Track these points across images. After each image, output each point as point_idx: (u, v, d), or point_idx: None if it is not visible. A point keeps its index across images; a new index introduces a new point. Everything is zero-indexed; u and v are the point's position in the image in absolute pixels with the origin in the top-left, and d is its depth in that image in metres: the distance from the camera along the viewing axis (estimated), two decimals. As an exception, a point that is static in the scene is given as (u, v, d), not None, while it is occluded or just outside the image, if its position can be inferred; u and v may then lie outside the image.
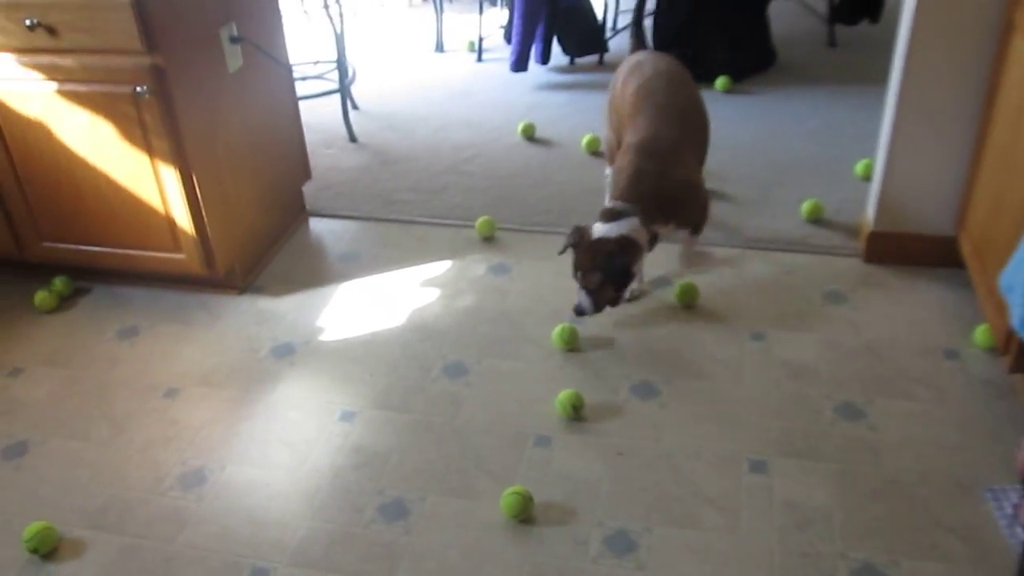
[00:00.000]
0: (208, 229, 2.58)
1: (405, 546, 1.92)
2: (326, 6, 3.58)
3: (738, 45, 4.08)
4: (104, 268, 2.80)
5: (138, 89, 2.35)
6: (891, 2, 4.31)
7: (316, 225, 3.14)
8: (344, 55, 3.68)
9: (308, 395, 2.36)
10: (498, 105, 3.99)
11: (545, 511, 1.98)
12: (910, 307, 2.54)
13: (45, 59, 2.40)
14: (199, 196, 2.53)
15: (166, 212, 2.56)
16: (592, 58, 4.38)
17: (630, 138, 2.46)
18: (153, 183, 2.52)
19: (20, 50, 2.40)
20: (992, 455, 2.06)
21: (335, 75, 3.99)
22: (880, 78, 2.88)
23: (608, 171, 2.86)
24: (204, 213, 2.56)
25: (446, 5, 5.24)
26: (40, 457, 2.23)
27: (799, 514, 1.94)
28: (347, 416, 2.29)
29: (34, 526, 1.96)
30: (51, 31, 2.34)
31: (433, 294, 2.72)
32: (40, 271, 2.90)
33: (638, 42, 2.94)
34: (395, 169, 3.48)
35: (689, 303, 2.60)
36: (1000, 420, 2.15)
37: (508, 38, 4.50)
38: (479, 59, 4.55)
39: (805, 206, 2.98)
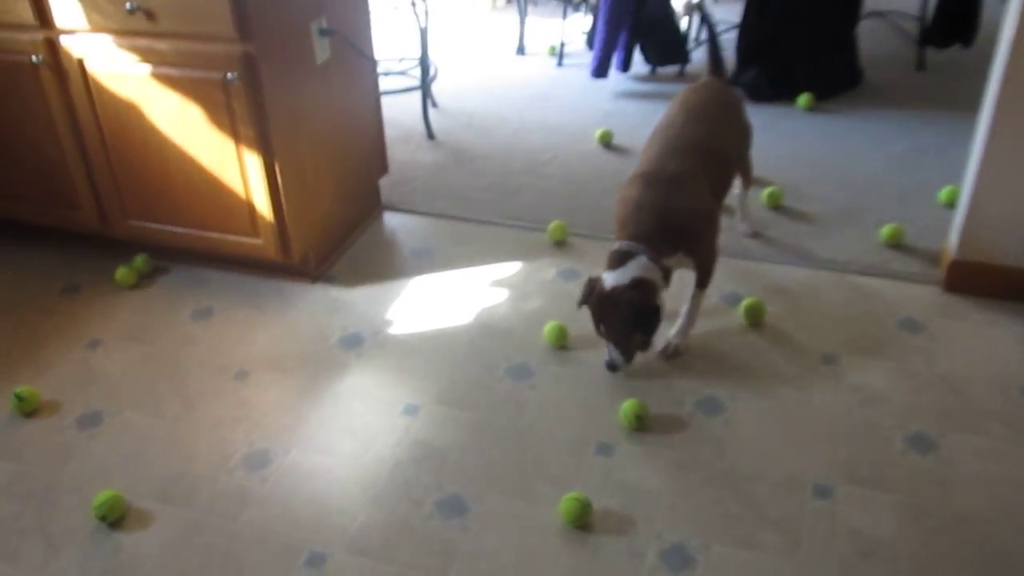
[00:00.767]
0: (286, 216, 2.63)
1: (461, 543, 1.93)
2: (413, 3, 3.61)
3: (824, 62, 4.02)
4: (183, 249, 2.87)
5: (228, 76, 2.41)
6: (985, 28, 4.20)
7: (390, 219, 3.18)
8: (427, 53, 3.71)
9: (374, 386, 2.39)
10: (576, 110, 3.99)
11: (603, 519, 1.98)
12: (989, 340, 2.47)
13: (142, 42, 2.47)
14: (280, 184, 2.57)
15: (247, 197, 2.62)
16: (673, 68, 4.35)
17: (636, 169, 2.39)
18: (236, 169, 2.57)
19: (119, 32, 2.47)
20: (1069, 498, 1.99)
21: (417, 72, 4.03)
22: (969, 104, 2.81)
23: None
24: (284, 201, 2.60)
25: (530, 8, 5.25)
26: (113, 428, 2.29)
27: (863, 544, 1.90)
28: (410, 409, 2.31)
29: (104, 494, 2.02)
30: (149, 15, 2.41)
31: (502, 295, 2.73)
32: (122, 248, 2.99)
33: (713, 64, 2.76)
34: (471, 168, 3.50)
35: (755, 322, 2.56)
36: (1079, 463, 2.08)
37: (590, 44, 4.49)
38: (560, 63, 4.55)
39: (885, 230, 2.92)
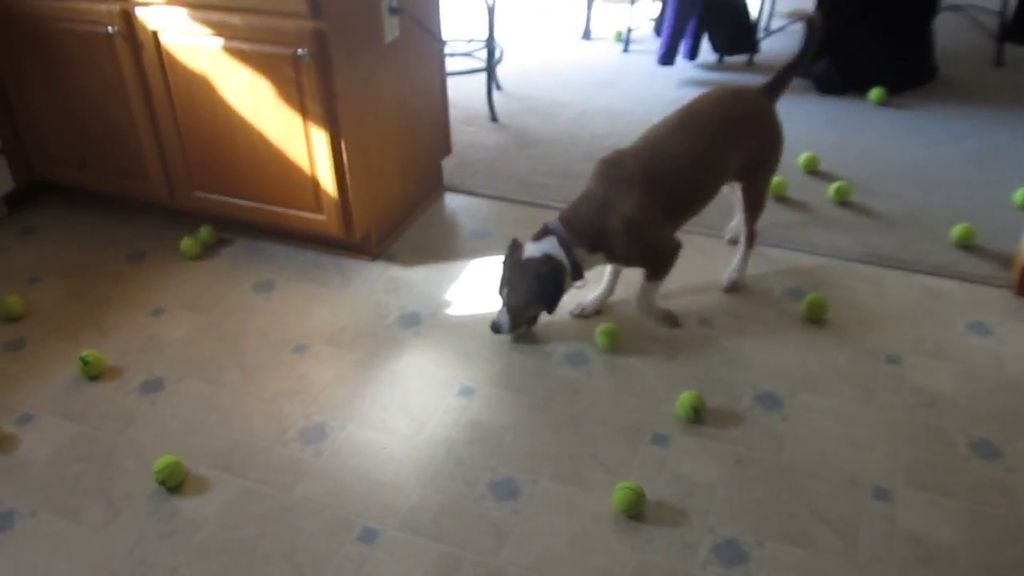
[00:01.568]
0: (350, 194, 2.64)
1: (513, 526, 1.94)
2: (482, -15, 3.60)
3: (898, 56, 3.92)
4: (247, 221, 2.90)
5: (299, 52, 2.42)
6: (1070, 24, 4.06)
7: (451, 200, 3.18)
8: (493, 35, 3.70)
9: (430, 366, 2.40)
10: (641, 97, 3.95)
11: (656, 510, 1.96)
12: (1062, 347, 2.41)
13: (215, 16, 2.49)
14: (345, 161, 2.59)
15: (312, 173, 2.64)
16: (741, 57, 4.28)
17: (605, 154, 2.40)
18: (303, 144, 2.59)
19: (193, 5, 2.50)
20: None
21: (483, 54, 4.02)
22: (1054, 103, 2.72)
23: None
24: (348, 178, 2.62)
25: (597, -7, 5.20)
26: (175, 395, 2.34)
27: (922, 549, 1.86)
28: (466, 391, 2.31)
29: (164, 459, 2.06)
30: (224, -11, 2.43)
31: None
32: (188, 219, 3.03)
33: (777, 78, 2.52)
34: (533, 152, 3.49)
35: (817, 317, 2.52)
36: None
37: (658, 31, 4.44)
38: (625, 49, 4.51)
39: (956, 230, 2.84)
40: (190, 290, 2.74)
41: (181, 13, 2.52)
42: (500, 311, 2.42)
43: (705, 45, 4.24)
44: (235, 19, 2.47)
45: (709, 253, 2.83)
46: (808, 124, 3.64)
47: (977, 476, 2.02)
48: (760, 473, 2.05)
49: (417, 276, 2.77)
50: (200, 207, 2.90)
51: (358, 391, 2.32)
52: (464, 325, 2.55)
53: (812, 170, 3.29)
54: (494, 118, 3.76)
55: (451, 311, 2.61)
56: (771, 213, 2.87)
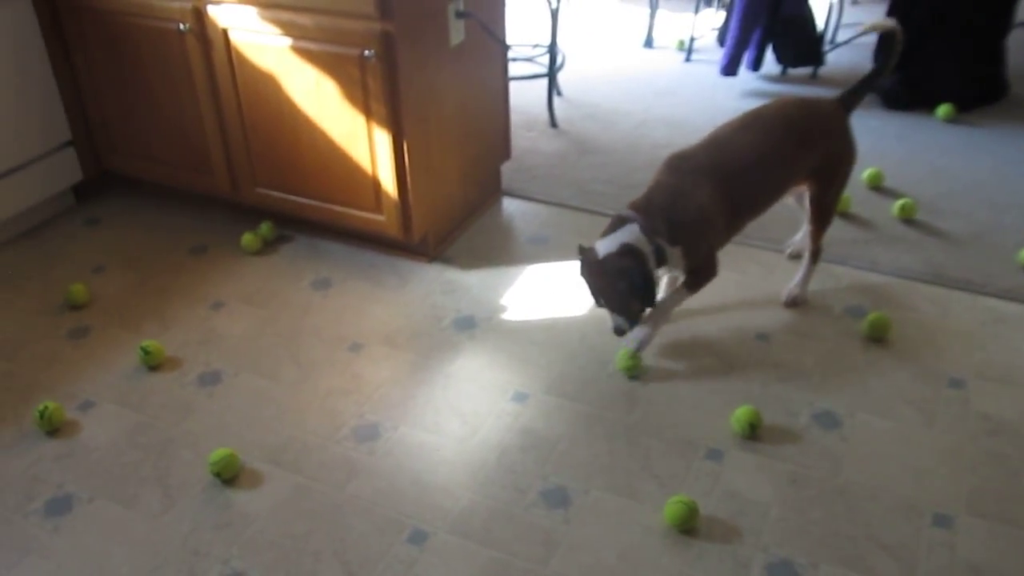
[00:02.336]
0: (410, 195, 2.66)
1: (563, 535, 1.92)
2: (546, -10, 3.60)
3: (968, 72, 3.83)
4: (308, 219, 2.93)
5: (366, 53, 2.44)
6: None
7: (509, 205, 3.18)
8: (556, 41, 3.70)
9: (484, 370, 2.40)
10: (703, 107, 3.92)
11: (708, 525, 1.94)
12: None
13: (285, 15, 2.52)
14: (406, 163, 2.60)
15: (373, 174, 2.65)
16: (806, 70, 4.23)
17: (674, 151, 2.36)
18: (366, 145, 2.61)
19: (263, 4, 2.54)
20: None
21: (545, 60, 4.02)
22: None
23: None
24: (409, 180, 2.63)
25: (661, 2, 5.18)
26: (231, 388, 2.37)
27: (983, 579, 1.81)
28: (520, 397, 2.30)
29: (220, 452, 2.08)
30: (294, -11, 2.46)
31: (617, 289, 2.70)
32: (250, 214, 3.07)
33: (853, 90, 2.48)
34: (592, 159, 3.47)
35: (879, 337, 2.47)
36: None
37: (721, 40, 4.40)
38: (688, 59, 4.48)
39: (1025, 253, 2.78)
40: (249, 285, 2.78)
41: (251, 12, 2.56)
42: (612, 316, 2.31)
43: (769, 56, 4.19)
44: (304, 19, 2.50)
45: (769, 267, 2.79)
46: (874, 139, 3.58)
47: (1043, 507, 1.97)
48: (816, 493, 2.01)
49: (473, 280, 2.77)
50: (262, 203, 2.93)
51: (412, 392, 2.33)
52: (519, 330, 2.54)
53: (877, 186, 3.23)
54: (554, 124, 3.76)
55: (506, 316, 2.61)
56: (834, 229, 2.82)
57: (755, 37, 4.03)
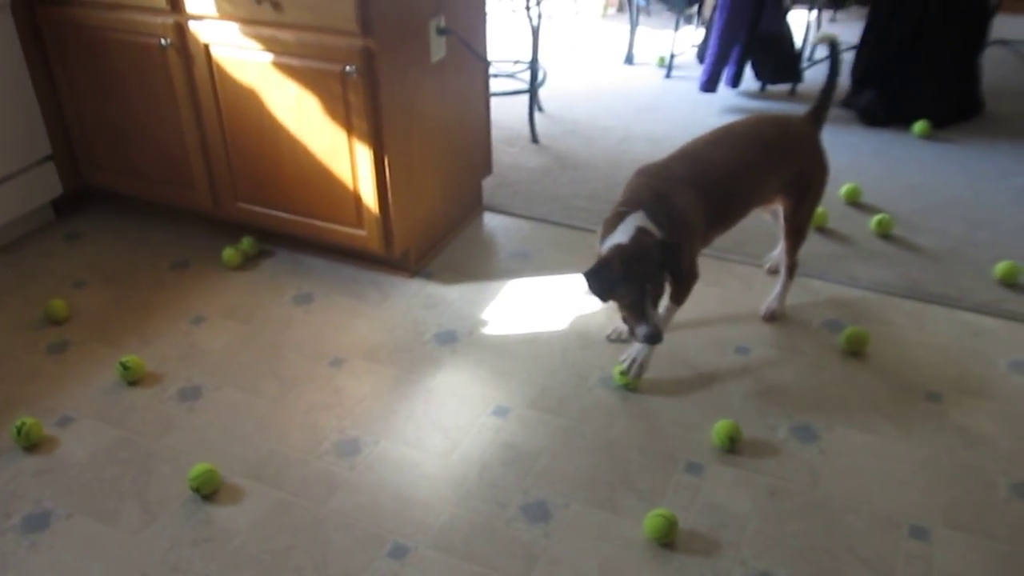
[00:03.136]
0: (391, 210, 2.66)
1: (543, 549, 1.93)
2: (528, 7, 3.63)
3: (944, 89, 3.88)
4: (289, 234, 2.93)
5: (347, 69, 2.45)
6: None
7: (491, 220, 3.19)
8: (537, 57, 3.72)
9: (465, 385, 2.40)
10: (683, 123, 3.95)
11: (688, 539, 1.95)
12: (1108, 391, 2.36)
13: (267, 31, 2.53)
14: (388, 178, 2.61)
15: (355, 189, 2.66)
16: (785, 86, 4.27)
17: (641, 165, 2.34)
18: (347, 160, 2.62)
19: (245, 20, 2.54)
20: None
21: (526, 75, 4.05)
22: (1105, 142, 2.68)
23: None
24: (390, 195, 2.64)
25: (641, 18, 5.22)
26: (212, 403, 2.36)
27: (960, 590, 1.83)
28: (501, 411, 2.31)
29: (199, 467, 2.07)
30: (276, 5, 2.47)
31: (598, 303, 2.71)
32: (231, 229, 3.07)
33: (817, 106, 2.50)
34: (574, 175, 3.50)
35: (856, 351, 2.49)
36: None
37: (701, 57, 4.44)
38: (668, 75, 4.52)
39: (1000, 267, 2.81)
40: (231, 300, 2.77)
41: (233, 28, 2.57)
42: (643, 321, 2.13)
43: (748, 73, 4.24)
44: (286, 35, 2.51)
45: (748, 281, 2.82)
46: (851, 155, 3.62)
47: (1017, 518, 1.99)
48: (795, 506, 2.03)
49: (455, 294, 2.78)
50: (243, 218, 2.93)
51: (393, 407, 2.33)
52: (500, 345, 2.55)
53: (854, 202, 3.27)
54: (535, 140, 3.78)
55: (488, 330, 2.61)
56: (812, 244, 2.85)
57: (734, 54, 4.08)
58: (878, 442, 2.20)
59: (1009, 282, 2.79)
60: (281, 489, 2.09)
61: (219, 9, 2.55)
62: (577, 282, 2.81)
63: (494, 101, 3.88)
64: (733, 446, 2.17)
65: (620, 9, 5.62)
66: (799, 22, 4.37)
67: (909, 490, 2.06)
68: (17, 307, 2.77)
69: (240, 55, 2.61)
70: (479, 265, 2.93)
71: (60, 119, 3.07)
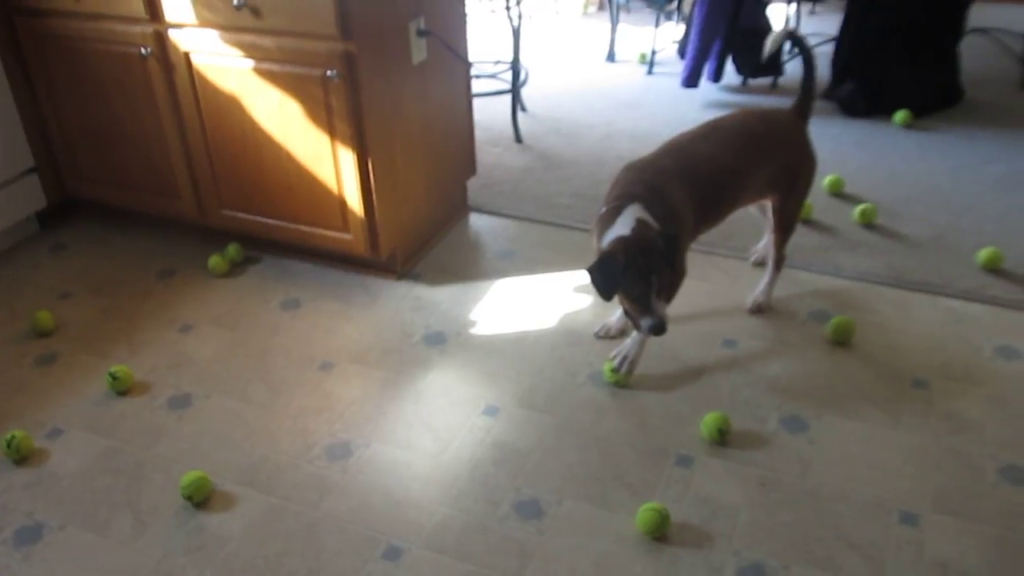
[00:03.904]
0: (377, 213, 2.67)
1: (537, 546, 1.94)
2: (508, 7, 3.64)
3: (923, 79, 3.91)
4: (275, 240, 2.93)
5: (329, 73, 2.45)
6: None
7: (476, 220, 3.20)
8: (519, 57, 3.73)
9: (455, 385, 2.41)
10: (666, 119, 3.97)
11: (680, 532, 1.96)
12: (1092, 373, 2.38)
13: (247, 38, 2.53)
14: (372, 181, 2.61)
15: (339, 193, 2.66)
16: (765, 80, 4.29)
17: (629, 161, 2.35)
18: (331, 164, 2.62)
19: (225, 27, 2.54)
20: None
21: (508, 76, 4.06)
22: (1083, 127, 2.70)
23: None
24: (375, 198, 2.64)
25: (621, 16, 5.23)
26: (202, 411, 2.36)
27: (950, 575, 1.84)
28: (491, 410, 2.32)
29: (191, 475, 2.07)
30: (255, 12, 2.47)
31: (586, 300, 2.72)
32: (216, 236, 3.07)
33: (800, 99, 2.52)
34: (558, 173, 3.51)
35: (843, 340, 2.51)
36: None
37: (682, 53, 4.46)
38: (650, 72, 4.53)
39: (982, 254, 2.83)
40: (218, 307, 2.77)
41: (213, 35, 2.57)
42: (646, 316, 2.13)
43: (729, 68, 4.25)
44: (266, 41, 2.51)
45: (734, 275, 2.83)
46: (833, 147, 3.64)
47: (1006, 502, 2.00)
48: (785, 496, 2.04)
49: (442, 295, 2.78)
50: (228, 225, 2.93)
51: (383, 409, 2.34)
52: (489, 345, 2.56)
53: (837, 192, 3.28)
54: (519, 139, 3.79)
55: (476, 330, 2.62)
56: (796, 235, 2.86)
57: (715, 49, 4.09)
58: (866, 430, 2.22)
59: (992, 268, 2.81)
60: (273, 494, 2.09)
61: (198, 17, 2.55)
62: (564, 280, 2.82)
63: (477, 102, 3.88)
64: (723, 438, 2.18)
65: (600, 7, 5.63)
66: (779, 16, 4.39)
67: (898, 477, 2.08)
68: (3, 320, 2.76)
69: (221, 62, 2.61)
70: (466, 266, 2.93)
71: (42, 132, 3.06)
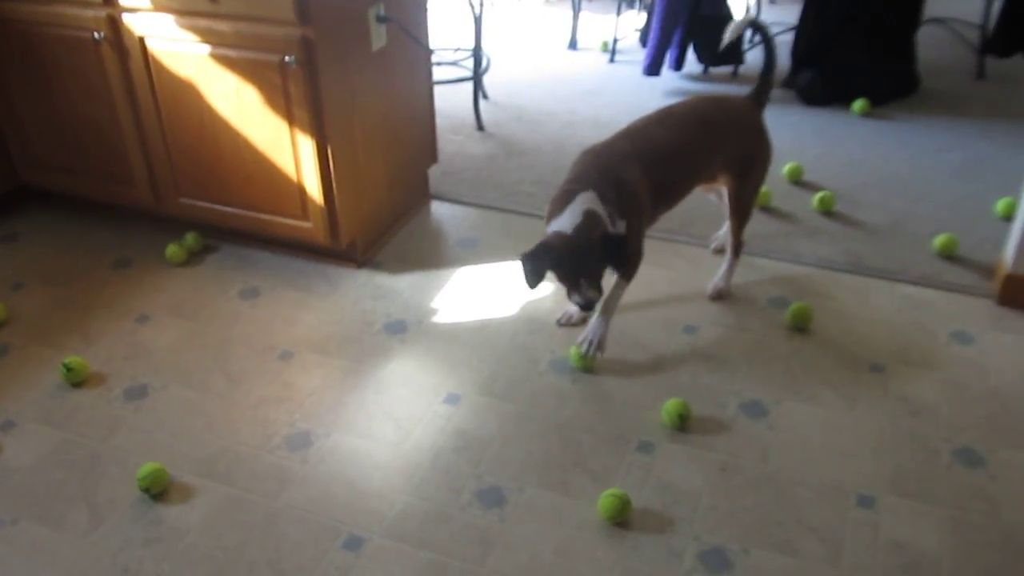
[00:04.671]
0: (336, 201, 2.64)
1: (499, 533, 1.93)
2: (469, -6, 3.62)
3: (881, 68, 3.95)
4: (233, 228, 2.90)
5: (287, 59, 2.42)
6: (1050, 38, 4.10)
7: (438, 208, 3.18)
8: (480, 44, 3.71)
9: (416, 373, 2.40)
10: (627, 107, 3.97)
11: (641, 517, 1.97)
12: (1043, 357, 2.43)
13: (203, 23, 2.49)
14: (331, 169, 2.59)
15: (298, 181, 2.63)
16: (727, 69, 4.31)
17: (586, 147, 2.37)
18: (290, 152, 2.59)
19: (180, 11, 2.50)
20: (1121, 522, 1.94)
21: (469, 63, 4.03)
22: (1034, 115, 2.75)
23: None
24: (334, 185, 2.62)
25: (583, 4, 5.23)
26: (159, 402, 2.32)
27: (906, 556, 1.87)
28: (452, 399, 2.31)
29: (148, 467, 2.04)
30: (211, -4, 2.43)
31: (547, 288, 2.72)
32: (174, 225, 3.02)
33: (758, 87, 2.54)
34: (520, 161, 3.50)
35: (802, 326, 2.53)
36: None
37: (644, 41, 4.46)
38: (611, 60, 4.53)
39: (938, 240, 2.87)
40: (175, 297, 2.73)
41: (168, 20, 2.52)
42: (576, 292, 2.18)
43: (691, 56, 4.26)
44: (222, 26, 2.47)
45: (695, 262, 2.85)
46: (792, 135, 3.67)
47: (960, 484, 2.04)
48: (745, 481, 2.05)
49: (403, 284, 2.77)
50: (186, 214, 2.89)
51: (344, 398, 2.32)
52: (450, 333, 2.55)
53: (796, 180, 3.31)
54: (480, 127, 3.77)
55: (437, 319, 2.61)
56: (756, 223, 2.89)
57: (676, 37, 4.10)
58: (824, 414, 2.24)
59: (948, 254, 2.85)
60: (232, 485, 2.07)
61: (153, 1, 2.50)
62: (526, 268, 2.82)
63: (438, 89, 3.85)
64: (683, 424, 2.19)
65: (563, -5, 5.62)
66: (739, 5, 4.41)
67: (855, 460, 2.10)
68: (-46, 311, 2.70)
69: (176, 47, 2.56)
70: (427, 254, 2.92)
71: (-8, 118, 2.99)
